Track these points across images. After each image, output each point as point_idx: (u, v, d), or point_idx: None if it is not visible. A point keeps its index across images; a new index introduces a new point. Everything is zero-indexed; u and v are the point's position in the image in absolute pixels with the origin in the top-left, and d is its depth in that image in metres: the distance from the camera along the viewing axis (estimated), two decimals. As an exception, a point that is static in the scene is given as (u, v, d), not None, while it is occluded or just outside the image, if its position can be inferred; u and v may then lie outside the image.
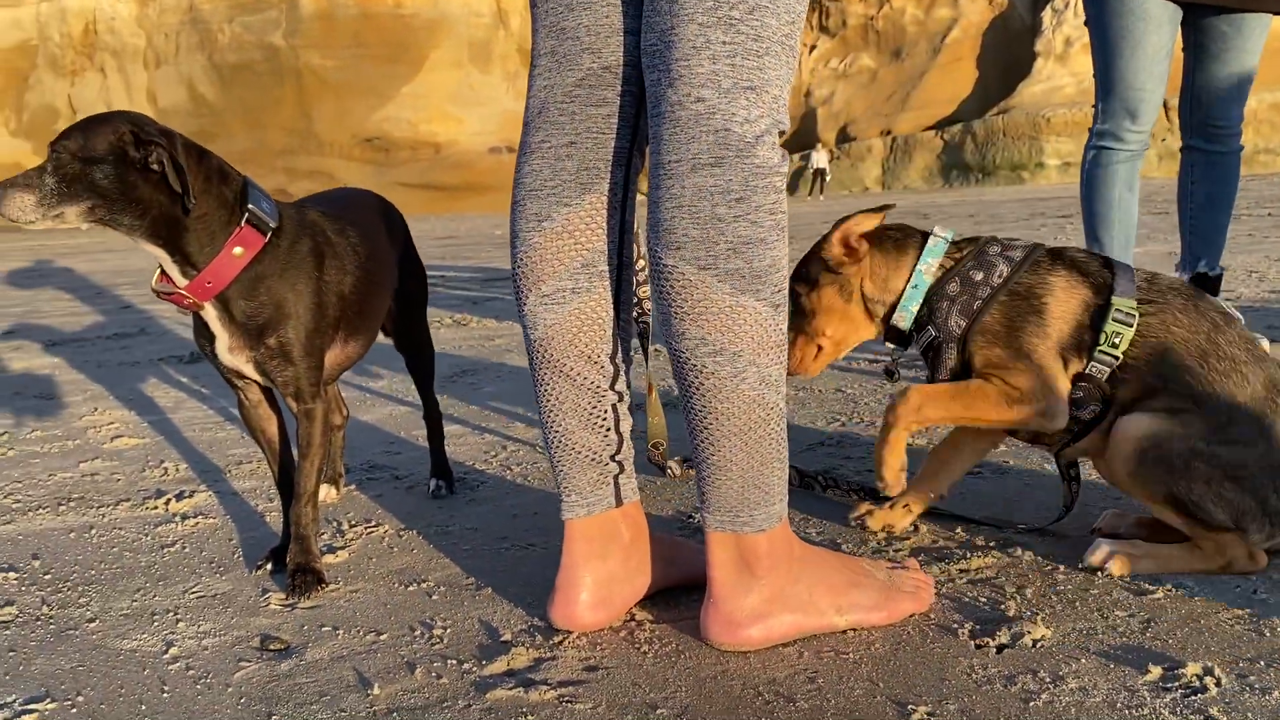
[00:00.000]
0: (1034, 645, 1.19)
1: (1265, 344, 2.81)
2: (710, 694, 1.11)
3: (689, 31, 1.10)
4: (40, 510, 1.96)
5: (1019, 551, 1.49)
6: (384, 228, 1.78)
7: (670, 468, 1.94)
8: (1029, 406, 1.40)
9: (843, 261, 1.51)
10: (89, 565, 1.63)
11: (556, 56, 1.24)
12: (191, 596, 1.48)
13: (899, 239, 1.52)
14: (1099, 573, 1.38)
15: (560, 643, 1.25)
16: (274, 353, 1.46)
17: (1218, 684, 1.08)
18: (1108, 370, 1.39)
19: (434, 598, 1.43)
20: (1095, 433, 1.44)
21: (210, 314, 1.44)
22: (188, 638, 1.33)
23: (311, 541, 1.50)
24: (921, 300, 1.48)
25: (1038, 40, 35.16)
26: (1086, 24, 2.77)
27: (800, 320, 1.56)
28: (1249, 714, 1.02)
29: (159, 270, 1.44)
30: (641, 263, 1.54)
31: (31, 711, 1.15)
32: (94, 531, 1.81)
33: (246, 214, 1.42)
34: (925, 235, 1.52)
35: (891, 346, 1.56)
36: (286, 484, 1.59)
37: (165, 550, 1.69)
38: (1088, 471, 1.77)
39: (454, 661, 1.22)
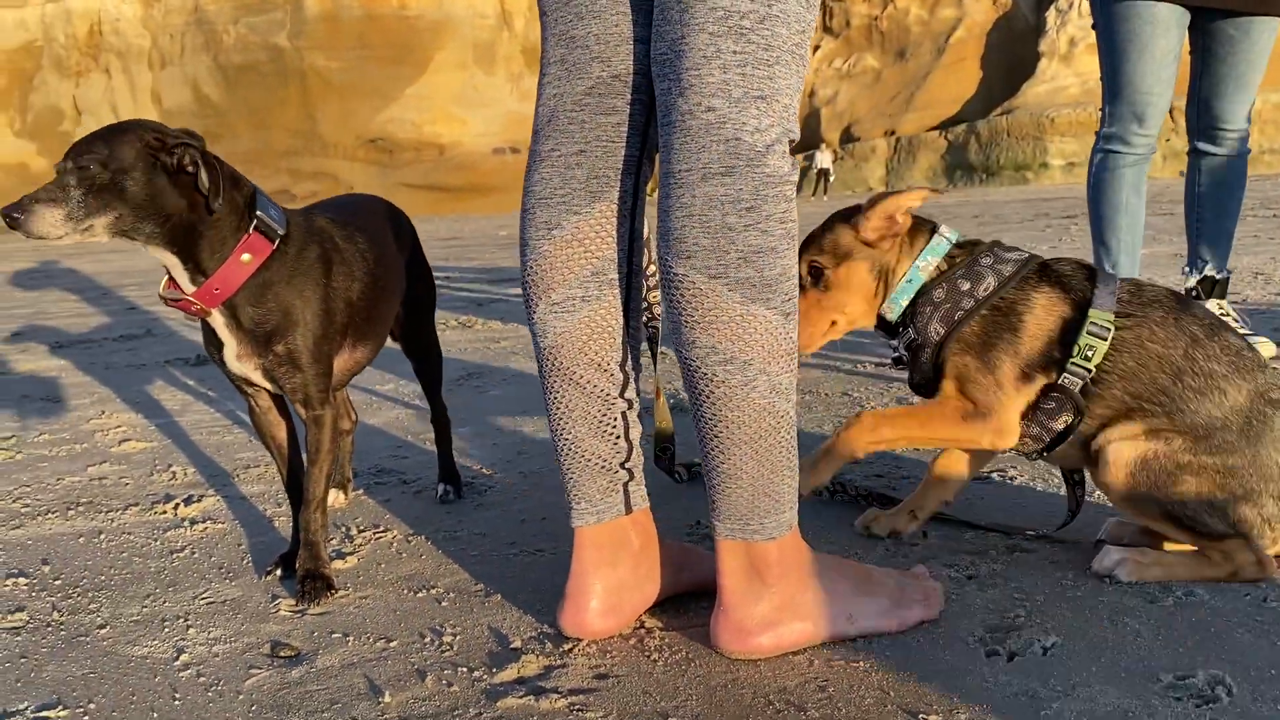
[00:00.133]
0: (1045, 653, 1.18)
1: (1270, 348, 2.79)
2: (721, 702, 1.11)
3: (700, 40, 1.10)
4: (49, 514, 1.96)
5: (1027, 558, 1.49)
6: (392, 233, 1.78)
7: (678, 472, 1.94)
8: (981, 423, 1.42)
9: (883, 235, 1.49)
10: (99, 570, 1.63)
11: (566, 65, 1.24)
12: (201, 602, 1.48)
13: (916, 225, 1.52)
14: (1108, 580, 1.38)
15: (570, 650, 1.26)
16: (282, 359, 1.46)
17: (1229, 693, 1.08)
18: (1080, 383, 1.39)
19: (443, 604, 1.43)
20: (1068, 444, 1.44)
21: (218, 321, 1.45)
22: (198, 644, 1.34)
23: (321, 547, 1.50)
24: (912, 296, 1.49)
25: (1042, 40, 35.12)
26: (1094, 28, 2.77)
27: (817, 294, 1.52)
28: (1261, 724, 1.02)
29: (167, 277, 1.44)
30: (652, 268, 1.54)
31: (43, 719, 1.15)
32: (103, 536, 1.81)
33: (255, 220, 1.43)
34: (934, 229, 1.52)
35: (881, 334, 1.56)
36: (296, 489, 1.59)
37: (174, 555, 1.69)
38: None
39: (464, 669, 1.22)
